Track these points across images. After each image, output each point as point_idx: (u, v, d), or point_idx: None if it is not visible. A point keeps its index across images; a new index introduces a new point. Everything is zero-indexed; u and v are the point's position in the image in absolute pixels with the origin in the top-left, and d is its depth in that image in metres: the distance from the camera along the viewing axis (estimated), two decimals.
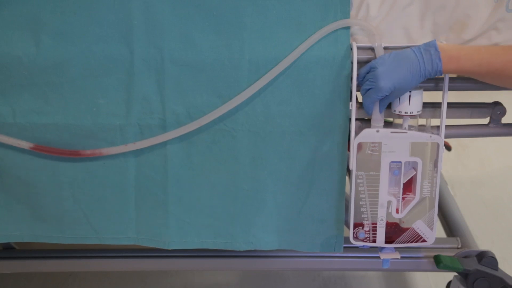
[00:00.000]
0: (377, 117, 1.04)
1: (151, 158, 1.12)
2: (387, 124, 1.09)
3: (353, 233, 1.09)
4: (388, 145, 1.04)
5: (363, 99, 1.03)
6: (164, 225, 1.16)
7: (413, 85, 0.99)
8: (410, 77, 0.98)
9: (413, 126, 1.07)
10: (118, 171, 1.13)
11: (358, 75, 1.04)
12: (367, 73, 1.02)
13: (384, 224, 1.09)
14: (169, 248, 1.17)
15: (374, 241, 1.10)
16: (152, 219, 1.16)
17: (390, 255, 1.13)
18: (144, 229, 1.17)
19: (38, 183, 1.14)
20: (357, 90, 1.06)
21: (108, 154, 1.10)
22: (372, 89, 1.00)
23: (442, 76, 1.05)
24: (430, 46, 0.99)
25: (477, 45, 1.07)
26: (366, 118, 1.10)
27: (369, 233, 1.09)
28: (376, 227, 1.09)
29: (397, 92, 1.00)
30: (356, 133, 1.04)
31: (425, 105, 1.07)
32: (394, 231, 1.09)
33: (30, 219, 1.18)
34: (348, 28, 1.04)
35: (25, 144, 1.10)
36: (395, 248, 1.13)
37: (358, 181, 1.06)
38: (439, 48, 0.98)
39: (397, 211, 1.08)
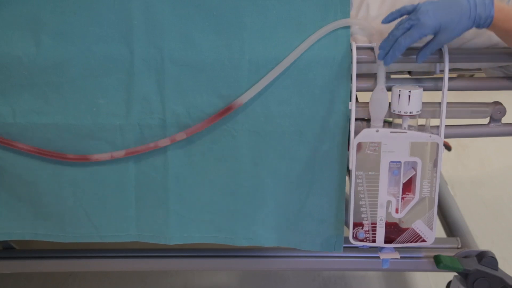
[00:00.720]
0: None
1: (151, 157, 1.12)
2: (387, 124, 1.09)
3: (353, 233, 1.10)
4: (387, 145, 1.04)
5: (397, 43, 0.95)
6: (165, 222, 1.16)
7: (459, 29, 0.93)
8: (457, 18, 0.92)
9: (412, 126, 1.07)
10: (118, 170, 1.13)
11: (387, 16, 0.97)
12: (408, 13, 0.95)
13: (384, 224, 1.09)
14: (170, 244, 1.17)
15: (374, 241, 1.10)
16: (153, 217, 1.16)
17: (389, 255, 1.13)
18: (145, 227, 1.17)
19: (39, 183, 1.14)
20: (357, 90, 1.06)
21: (112, 158, 1.11)
22: (414, 26, 0.93)
23: (488, 28, 0.97)
24: None
25: (479, 42, 1.06)
26: (366, 118, 1.10)
27: (368, 233, 1.09)
28: (375, 227, 1.09)
29: (442, 35, 0.93)
30: (356, 133, 1.04)
31: (425, 105, 1.07)
32: (394, 231, 1.09)
33: (32, 217, 1.18)
34: (348, 28, 1.04)
35: (28, 148, 1.10)
36: (394, 248, 1.13)
37: (358, 181, 1.06)
38: None
39: (396, 211, 1.08)
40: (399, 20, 0.98)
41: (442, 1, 0.94)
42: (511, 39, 0.98)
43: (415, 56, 1.01)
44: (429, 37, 0.97)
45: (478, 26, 0.95)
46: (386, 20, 0.98)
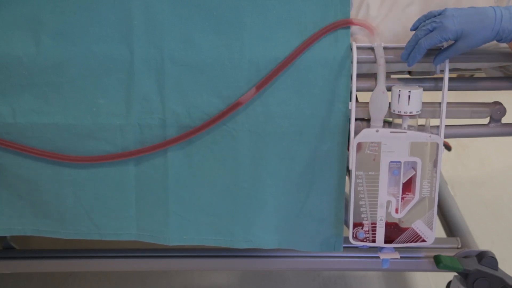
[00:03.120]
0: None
1: (151, 157, 1.12)
2: (387, 124, 1.09)
3: (353, 233, 1.10)
4: (387, 145, 1.04)
5: (418, 44, 0.95)
6: (165, 223, 1.16)
7: (481, 37, 0.93)
8: (480, 27, 0.91)
9: (412, 126, 1.07)
10: (118, 170, 1.13)
11: (416, 21, 0.98)
12: (433, 17, 0.95)
13: (384, 224, 1.09)
14: (170, 244, 1.17)
15: (374, 241, 1.10)
16: (153, 217, 1.16)
17: (389, 255, 1.13)
18: (145, 227, 1.17)
19: (39, 182, 1.14)
20: (357, 90, 1.06)
21: (112, 160, 1.11)
22: (436, 29, 0.93)
23: (507, 46, 0.98)
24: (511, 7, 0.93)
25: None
26: (366, 118, 1.10)
27: (368, 233, 1.09)
28: (375, 227, 1.09)
29: (462, 42, 0.93)
30: (356, 133, 1.04)
31: (425, 105, 1.07)
32: (394, 231, 1.09)
33: (32, 215, 1.18)
34: (348, 28, 1.04)
35: (28, 148, 1.10)
36: (394, 248, 1.13)
37: (358, 181, 1.06)
38: None
39: (396, 211, 1.08)
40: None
41: (469, 9, 0.94)
42: None
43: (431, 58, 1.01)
44: (450, 41, 0.97)
45: (500, 40, 0.94)
46: (414, 27, 0.99)
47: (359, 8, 1.08)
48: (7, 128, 1.10)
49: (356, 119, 1.09)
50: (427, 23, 0.95)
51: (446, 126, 1.09)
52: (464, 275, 1.21)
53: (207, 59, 1.05)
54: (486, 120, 1.15)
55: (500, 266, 1.22)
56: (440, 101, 1.07)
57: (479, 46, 0.96)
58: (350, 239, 1.10)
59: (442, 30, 0.93)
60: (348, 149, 1.07)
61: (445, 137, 1.08)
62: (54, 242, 1.21)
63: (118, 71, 1.06)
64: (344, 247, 1.18)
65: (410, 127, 1.07)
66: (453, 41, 0.96)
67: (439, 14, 0.95)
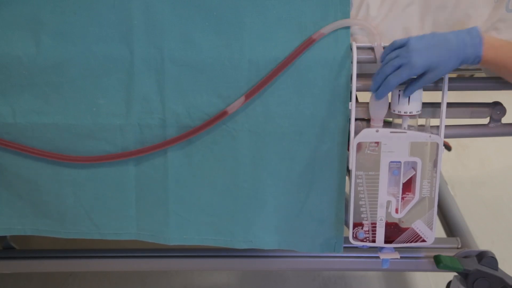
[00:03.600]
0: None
1: (151, 157, 1.12)
2: (387, 124, 1.09)
3: (353, 233, 1.10)
4: (387, 145, 1.04)
5: (386, 81, 0.95)
6: (165, 223, 1.16)
7: (449, 68, 0.94)
8: (447, 57, 0.92)
9: (412, 126, 1.07)
10: (118, 170, 1.13)
11: (382, 53, 0.98)
12: (396, 49, 0.95)
13: (384, 224, 1.09)
14: (170, 244, 1.17)
15: (374, 241, 1.10)
16: (153, 217, 1.16)
17: (389, 255, 1.13)
18: (145, 226, 1.18)
19: (39, 182, 1.14)
20: (357, 90, 1.06)
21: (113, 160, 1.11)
22: (404, 66, 0.93)
23: (478, 66, 0.99)
24: (473, 31, 0.93)
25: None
26: (366, 118, 1.10)
27: (368, 233, 1.09)
28: (375, 227, 1.09)
29: (431, 74, 0.94)
30: (356, 133, 1.04)
31: (425, 105, 1.07)
32: (394, 231, 1.09)
33: (33, 214, 1.18)
34: (348, 28, 1.04)
35: (28, 148, 1.10)
36: (394, 248, 1.13)
37: (358, 181, 1.06)
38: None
39: (396, 211, 1.08)
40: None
41: (432, 38, 0.94)
42: (504, 74, 0.98)
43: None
44: None
45: (466, 63, 0.95)
46: (383, 60, 0.98)
47: (359, 8, 1.08)
48: (7, 128, 1.10)
49: (356, 119, 1.09)
50: (393, 57, 0.94)
51: (446, 126, 1.09)
52: (464, 275, 1.21)
53: (207, 59, 1.05)
54: (486, 120, 1.15)
55: (500, 266, 1.22)
56: (440, 101, 1.07)
57: (440, 77, 0.97)
58: (350, 239, 1.10)
59: (410, 67, 0.92)
60: (348, 149, 1.07)
61: (445, 137, 1.08)
62: (54, 242, 1.21)
63: (118, 71, 1.06)
64: (344, 247, 1.18)
65: (410, 127, 1.07)
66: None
67: (403, 46, 0.94)
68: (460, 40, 0.93)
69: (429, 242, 1.10)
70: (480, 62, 0.96)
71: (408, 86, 1.00)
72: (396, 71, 0.95)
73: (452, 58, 0.93)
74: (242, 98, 1.05)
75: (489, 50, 0.94)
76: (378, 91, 0.99)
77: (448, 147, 1.66)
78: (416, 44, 0.93)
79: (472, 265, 1.21)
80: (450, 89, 1.06)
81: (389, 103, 1.05)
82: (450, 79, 1.05)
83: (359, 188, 1.07)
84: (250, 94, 1.05)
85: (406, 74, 0.93)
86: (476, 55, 0.93)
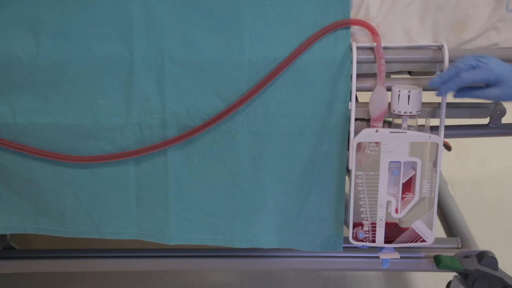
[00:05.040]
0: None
1: (151, 157, 1.12)
2: (387, 124, 1.09)
3: (353, 233, 1.10)
4: (387, 145, 1.04)
5: (459, 77, 0.94)
6: (165, 222, 1.16)
7: None
8: None
9: (412, 126, 1.07)
10: (118, 170, 1.13)
11: (455, 64, 0.96)
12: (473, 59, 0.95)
13: (384, 224, 1.09)
14: (170, 244, 1.18)
15: (374, 241, 1.10)
16: (153, 217, 1.17)
17: (389, 255, 1.13)
18: (145, 226, 1.18)
19: (39, 182, 1.14)
20: (357, 90, 1.06)
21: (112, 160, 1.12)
22: (481, 68, 0.93)
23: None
24: None
25: (479, 42, 1.07)
26: (366, 118, 1.10)
27: (368, 233, 1.09)
28: (375, 227, 1.09)
29: (497, 89, 0.93)
30: (356, 133, 1.04)
31: (425, 105, 1.07)
32: (394, 231, 1.09)
33: (33, 213, 1.19)
34: (348, 28, 1.04)
35: (28, 148, 1.10)
36: (394, 248, 1.13)
37: (358, 181, 1.06)
38: None
39: (396, 211, 1.08)
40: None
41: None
42: None
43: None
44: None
45: None
46: (465, 67, 0.97)
47: (359, 8, 1.08)
48: (7, 128, 1.10)
49: (356, 119, 1.09)
50: (470, 58, 0.94)
51: (446, 126, 1.09)
52: (464, 275, 1.21)
53: (207, 59, 1.05)
54: (486, 120, 1.15)
55: (500, 266, 1.22)
56: (440, 101, 1.07)
57: (506, 99, 0.96)
58: (350, 239, 1.10)
59: (488, 70, 0.92)
60: (348, 149, 1.07)
61: (445, 137, 1.08)
62: (54, 242, 1.21)
63: (118, 71, 1.06)
64: (344, 247, 1.18)
65: (410, 127, 1.07)
66: (484, 85, 0.96)
67: (481, 57, 0.95)
68: None
69: (429, 242, 1.10)
70: None
71: (464, 89, 0.98)
72: (472, 70, 0.94)
73: None
74: (242, 98, 1.05)
75: None
76: (445, 86, 0.97)
77: (448, 147, 1.66)
78: (494, 58, 0.94)
79: (472, 265, 1.21)
80: None
81: (389, 103, 1.05)
82: None
83: (359, 188, 1.07)
84: (250, 94, 1.05)
85: (482, 74, 0.93)
86: None
